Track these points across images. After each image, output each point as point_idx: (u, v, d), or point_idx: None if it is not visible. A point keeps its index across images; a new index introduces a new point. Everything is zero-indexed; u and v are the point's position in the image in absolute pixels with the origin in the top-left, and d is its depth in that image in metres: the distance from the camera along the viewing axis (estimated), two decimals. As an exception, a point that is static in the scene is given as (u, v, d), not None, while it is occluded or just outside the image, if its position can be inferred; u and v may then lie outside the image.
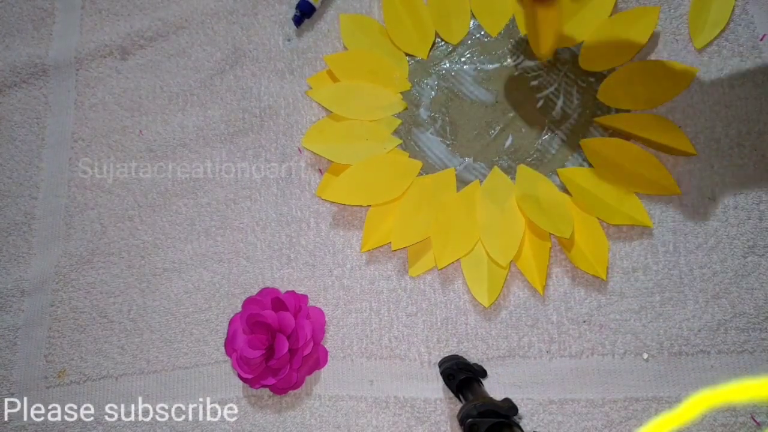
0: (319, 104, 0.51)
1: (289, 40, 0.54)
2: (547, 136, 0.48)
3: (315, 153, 0.50)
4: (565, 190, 0.47)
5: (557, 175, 0.47)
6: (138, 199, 0.52)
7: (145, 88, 0.55)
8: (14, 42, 0.58)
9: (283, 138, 0.52)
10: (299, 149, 0.51)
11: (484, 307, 0.45)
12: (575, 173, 0.46)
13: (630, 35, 0.48)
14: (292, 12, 0.54)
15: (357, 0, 0.55)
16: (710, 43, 0.48)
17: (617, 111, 0.48)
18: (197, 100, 0.54)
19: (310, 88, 0.52)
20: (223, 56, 0.55)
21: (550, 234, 0.45)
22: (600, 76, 0.49)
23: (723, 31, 0.48)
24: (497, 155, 0.49)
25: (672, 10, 0.50)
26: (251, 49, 0.54)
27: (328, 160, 0.50)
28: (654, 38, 0.49)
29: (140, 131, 0.54)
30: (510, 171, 0.48)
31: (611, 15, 0.49)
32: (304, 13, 0.54)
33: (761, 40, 0.48)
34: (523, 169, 0.47)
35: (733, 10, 0.49)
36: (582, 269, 0.44)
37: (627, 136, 0.47)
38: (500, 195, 0.47)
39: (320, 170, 0.50)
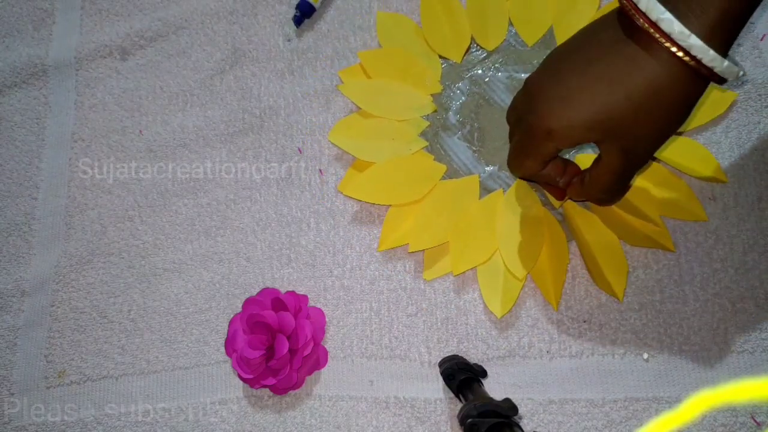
0: (348, 99, 0.51)
1: (289, 40, 0.54)
2: (574, 152, 0.47)
3: (340, 148, 0.49)
4: (588, 207, 0.46)
5: None
6: (138, 199, 0.52)
7: (145, 88, 0.55)
8: (14, 42, 0.58)
9: (283, 138, 0.52)
10: (299, 149, 0.51)
11: (497, 317, 0.44)
12: None
13: None
14: (292, 12, 0.54)
15: (357, 0, 0.55)
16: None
17: None
18: (197, 100, 0.54)
19: (310, 89, 0.52)
20: (223, 56, 0.55)
21: (569, 250, 0.44)
22: None
23: (723, 30, 0.48)
24: None
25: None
26: (251, 49, 0.54)
27: (353, 156, 0.49)
28: None
29: (140, 131, 0.54)
30: (534, 183, 0.47)
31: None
32: (304, 13, 0.54)
33: (761, 40, 0.48)
34: None
35: (733, 10, 0.49)
36: (600, 288, 0.44)
37: (655, 158, 0.46)
38: (522, 206, 0.46)
39: (320, 171, 0.50)
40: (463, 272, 0.45)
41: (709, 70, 0.29)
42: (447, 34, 0.51)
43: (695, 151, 0.45)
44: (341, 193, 0.49)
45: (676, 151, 0.45)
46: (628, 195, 0.44)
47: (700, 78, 0.30)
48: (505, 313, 0.44)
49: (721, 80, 0.30)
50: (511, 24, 0.51)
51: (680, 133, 0.46)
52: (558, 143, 0.34)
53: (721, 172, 0.45)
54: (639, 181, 0.45)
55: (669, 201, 0.44)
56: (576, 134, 0.32)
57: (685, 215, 0.44)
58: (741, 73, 0.30)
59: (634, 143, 0.33)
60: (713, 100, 0.46)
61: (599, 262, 0.44)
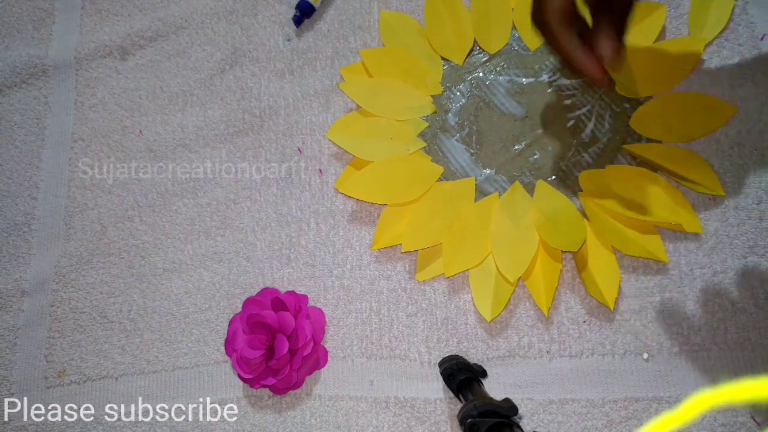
0: (349, 98, 0.51)
1: (289, 40, 0.54)
2: (573, 158, 0.47)
3: (338, 146, 0.50)
4: (584, 214, 0.46)
5: (578, 198, 0.46)
6: (138, 199, 0.52)
7: (145, 88, 0.55)
8: (14, 42, 0.58)
9: (283, 138, 0.52)
10: (299, 149, 0.51)
11: (486, 321, 0.44)
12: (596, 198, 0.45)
13: (673, 65, 0.47)
14: (292, 12, 0.54)
15: (357, 0, 0.55)
16: (710, 43, 0.48)
17: (648, 140, 0.47)
18: (197, 100, 0.54)
19: (310, 89, 0.52)
20: (223, 56, 0.55)
21: (562, 257, 0.44)
22: (635, 103, 0.47)
23: (723, 31, 0.48)
24: (520, 170, 0.48)
25: (672, 10, 0.50)
26: (251, 49, 0.54)
27: (351, 154, 0.49)
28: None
29: (140, 131, 0.54)
30: (531, 187, 0.47)
31: (655, 41, 0.48)
32: (304, 13, 0.54)
33: (761, 39, 0.48)
34: (542, 186, 0.46)
35: (733, 10, 0.49)
36: (592, 295, 0.44)
37: (654, 167, 0.46)
38: (518, 210, 0.46)
39: (320, 170, 0.50)
40: (455, 275, 0.45)
41: None
42: (450, 36, 0.51)
43: (695, 163, 0.45)
44: (338, 190, 0.49)
45: (675, 161, 0.45)
46: (625, 205, 0.44)
47: None
48: (495, 317, 0.44)
49: None
50: (514, 28, 0.51)
51: (680, 145, 0.46)
52: None
53: (720, 186, 0.45)
54: (637, 192, 0.45)
55: (666, 212, 0.44)
56: None
57: (681, 226, 0.44)
58: None
59: None
60: (716, 111, 0.46)
61: (592, 271, 0.44)
